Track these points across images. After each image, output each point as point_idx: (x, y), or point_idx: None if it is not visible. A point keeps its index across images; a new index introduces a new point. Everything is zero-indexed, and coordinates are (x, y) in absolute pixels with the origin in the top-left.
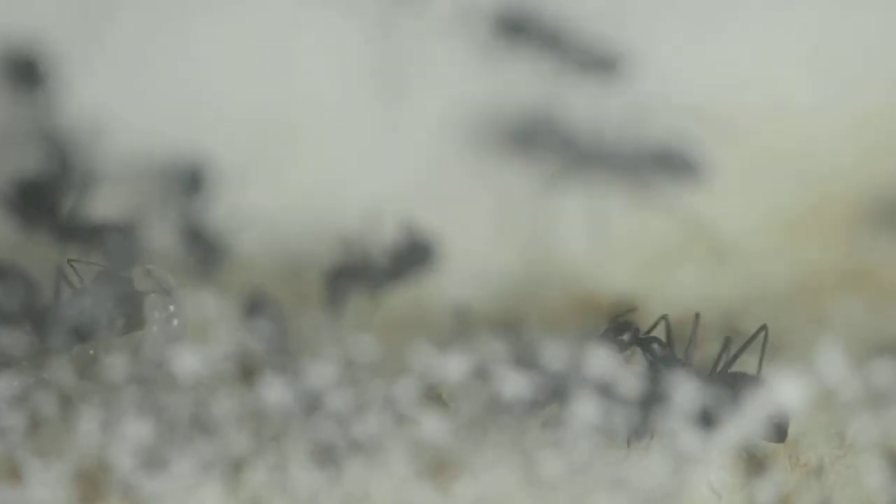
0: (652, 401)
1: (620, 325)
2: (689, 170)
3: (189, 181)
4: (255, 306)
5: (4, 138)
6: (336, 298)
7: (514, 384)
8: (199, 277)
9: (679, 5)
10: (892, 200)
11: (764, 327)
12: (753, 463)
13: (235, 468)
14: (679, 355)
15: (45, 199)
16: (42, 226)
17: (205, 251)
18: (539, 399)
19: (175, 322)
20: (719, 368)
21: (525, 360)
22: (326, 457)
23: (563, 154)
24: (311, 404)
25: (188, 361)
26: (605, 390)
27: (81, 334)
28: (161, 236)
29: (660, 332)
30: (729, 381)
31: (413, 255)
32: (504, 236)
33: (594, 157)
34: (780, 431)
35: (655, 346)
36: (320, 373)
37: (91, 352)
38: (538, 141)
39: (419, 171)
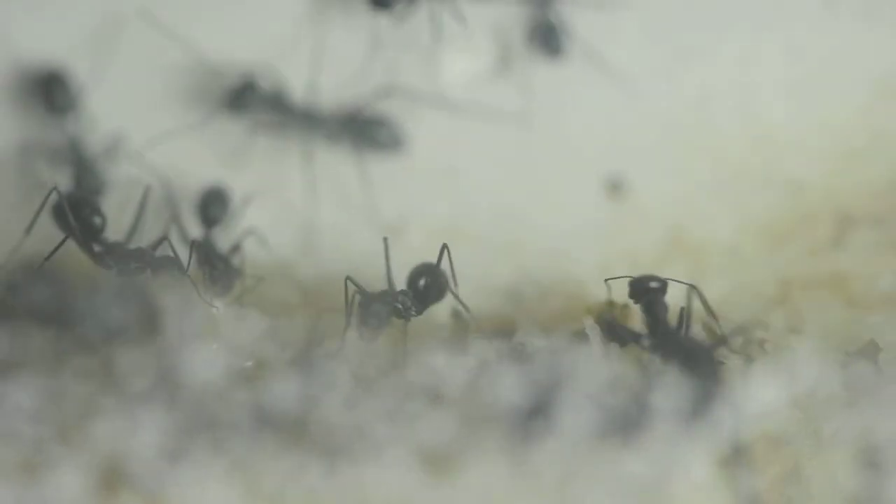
0: (640, 397)
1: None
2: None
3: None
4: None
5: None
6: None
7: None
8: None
9: (658, 23)
10: (858, 210)
11: (693, 287)
12: (734, 459)
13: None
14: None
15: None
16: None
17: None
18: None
19: (191, 319)
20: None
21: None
22: (330, 455)
23: None
24: (313, 404)
25: (203, 360)
26: (595, 387)
27: (102, 335)
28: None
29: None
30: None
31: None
32: None
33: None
34: None
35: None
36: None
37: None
38: None
39: None
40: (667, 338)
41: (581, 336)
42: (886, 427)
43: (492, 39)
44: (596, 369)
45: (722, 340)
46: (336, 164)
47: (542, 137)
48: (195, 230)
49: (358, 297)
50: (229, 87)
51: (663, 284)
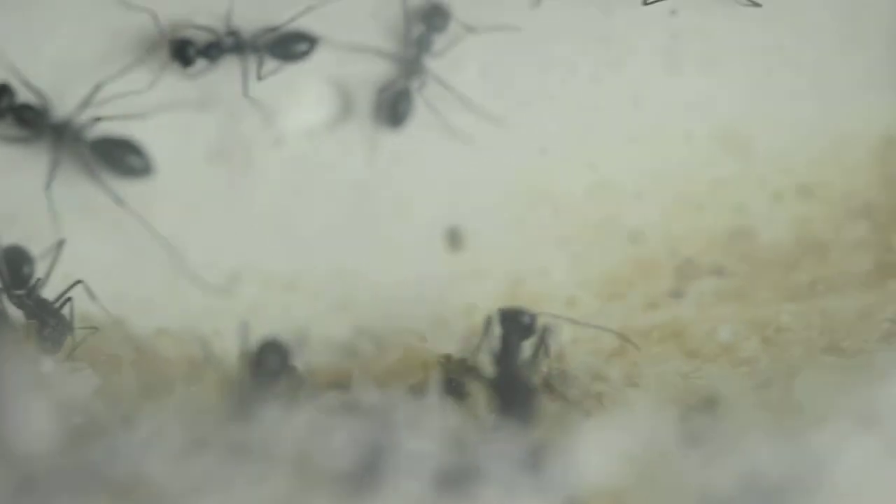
0: (476, 452)
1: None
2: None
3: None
4: None
5: None
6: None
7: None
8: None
9: (498, 72)
10: (697, 260)
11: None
12: None
13: None
14: None
15: None
16: None
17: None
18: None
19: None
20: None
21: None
22: None
23: None
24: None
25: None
26: (430, 442)
27: None
28: None
29: None
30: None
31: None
32: None
33: None
34: None
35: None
36: None
37: None
38: None
39: None
40: (503, 372)
41: (417, 390)
42: (724, 481)
43: (333, 92)
44: (431, 424)
45: (551, 385)
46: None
47: (380, 190)
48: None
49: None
50: None
51: (532, 318)
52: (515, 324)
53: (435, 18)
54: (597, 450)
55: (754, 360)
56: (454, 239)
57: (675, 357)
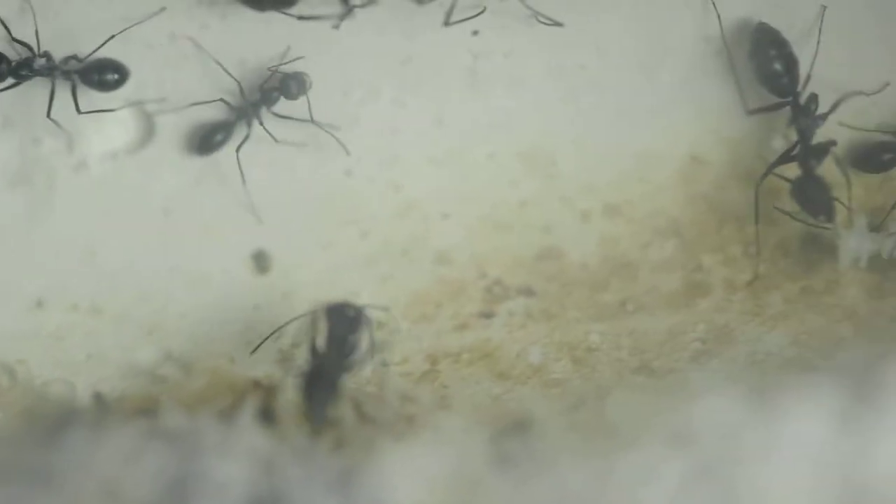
0: (285, 476)
1: None
2: None
3: None
4: None
5: None
6: None
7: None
8: None
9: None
10: (507, 281)
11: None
12: None
13: None
14: None
15: None
16: None
17: None
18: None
19: None
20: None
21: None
22: None
23: None
24: None
25: None
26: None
27: None
28: None
29: None
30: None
31: None
32: None
33: None
34: None
35: None
36: None
37: None
38: None
39: None
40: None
41: (226, 415)
42: None
43: (137, 116)
44: (241, 448)
45: (360, 409)
46: None
47: (185, 214)
48: None
49: None
50: None
51: (358, 312)
52: (341, 317)
53: (291, 87)
54: (407, 473)
55: (565, 382)
56: (260, 262)
57: (485, 379)
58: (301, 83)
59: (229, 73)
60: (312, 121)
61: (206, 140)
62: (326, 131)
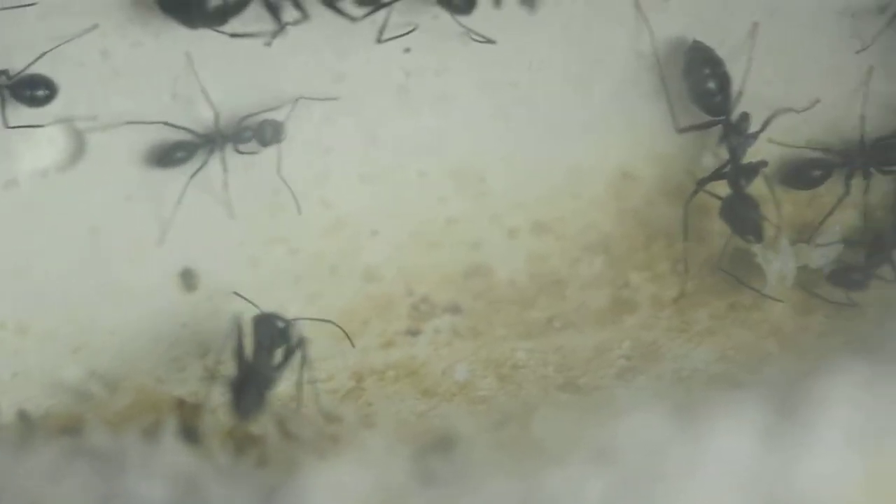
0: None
1: None
2: None
3: None
4: None
5: None
6: None
7: None
8: None
9: None
10: (433, 298)
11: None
12: None
13: None
14: None
15: None
16: None
17: None
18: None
19: None
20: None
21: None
22: None
23: None
24: None
25: None
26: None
27: None
28: None
29: None
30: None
31: None
32: None
33: None
34: None
35: None
36: None
37: None
38: None
39: None
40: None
41: (150, 433)
42: None
43: (68, 133)
44: (164, 467)
45: (284, 427)
46: None
47: (114, 232)
48: None
49: None
50: None
51: (287, 324)
52: (269, 328)
53: (267, 133)
54: (331, 492)
55: (491, 399)
56: (188, 280)
57: (410, 396)
58: (277, 133)
59: (210, 101)
60: (278, 174)
61: (167, 154)
62: (288, 188)
